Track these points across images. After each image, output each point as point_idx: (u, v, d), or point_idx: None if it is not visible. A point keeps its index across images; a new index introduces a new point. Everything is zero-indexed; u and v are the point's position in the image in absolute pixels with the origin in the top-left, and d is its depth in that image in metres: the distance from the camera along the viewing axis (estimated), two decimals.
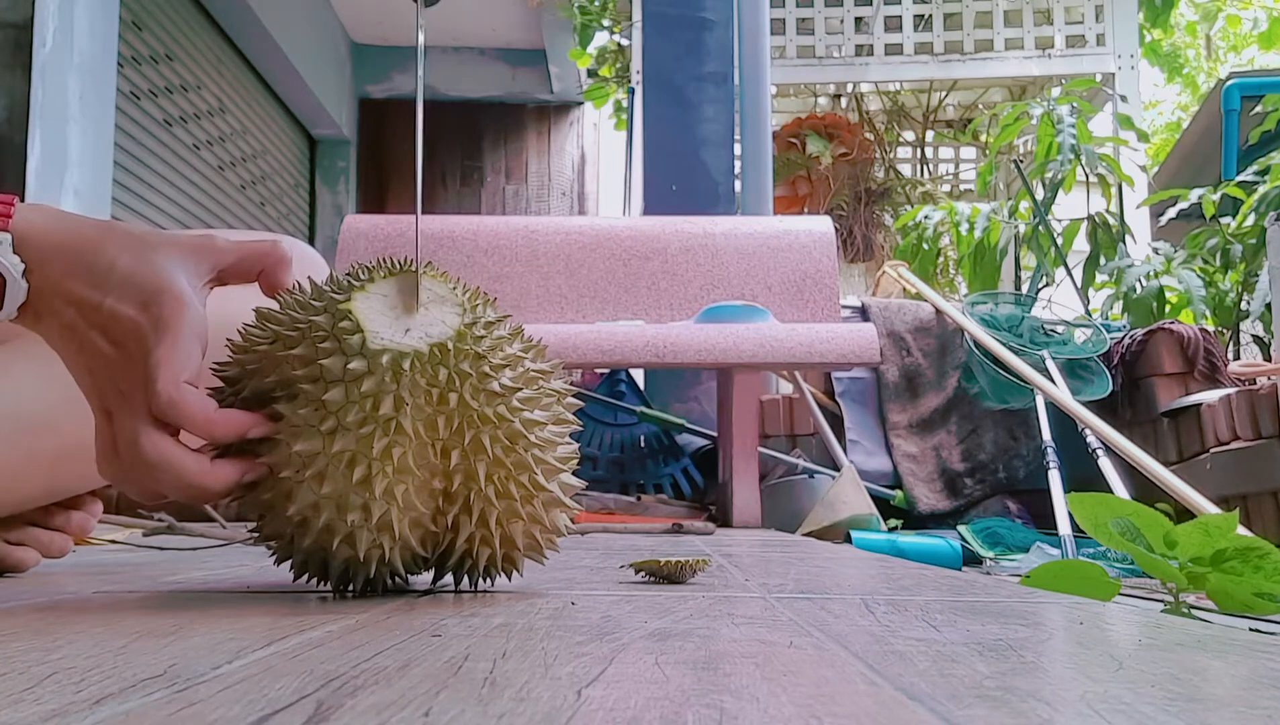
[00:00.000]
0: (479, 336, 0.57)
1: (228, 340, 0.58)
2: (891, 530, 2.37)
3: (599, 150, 6.38)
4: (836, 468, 2.50)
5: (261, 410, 0.56)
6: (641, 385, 2.89)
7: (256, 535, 0.60)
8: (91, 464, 0.75)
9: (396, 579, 0.60)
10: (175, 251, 0.56)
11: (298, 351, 0.54)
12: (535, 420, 0.58)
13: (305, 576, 0.59)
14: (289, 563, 0.59)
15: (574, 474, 0.62)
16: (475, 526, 0.57)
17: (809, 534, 2.14)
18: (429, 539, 0.58)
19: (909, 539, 2.11)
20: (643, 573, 0.72)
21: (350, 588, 0.59)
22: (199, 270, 0.57)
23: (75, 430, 0.73)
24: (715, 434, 2.50)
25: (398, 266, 0.59)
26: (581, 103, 6.08)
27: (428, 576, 0.63)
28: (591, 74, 5.76)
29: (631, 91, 4.53)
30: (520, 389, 0.57)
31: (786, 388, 2.94)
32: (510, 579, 0.62)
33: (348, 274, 0.59)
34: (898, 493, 2.63)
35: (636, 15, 3.97)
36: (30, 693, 0.30)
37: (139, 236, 0.56)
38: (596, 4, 5.26)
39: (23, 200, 0.55)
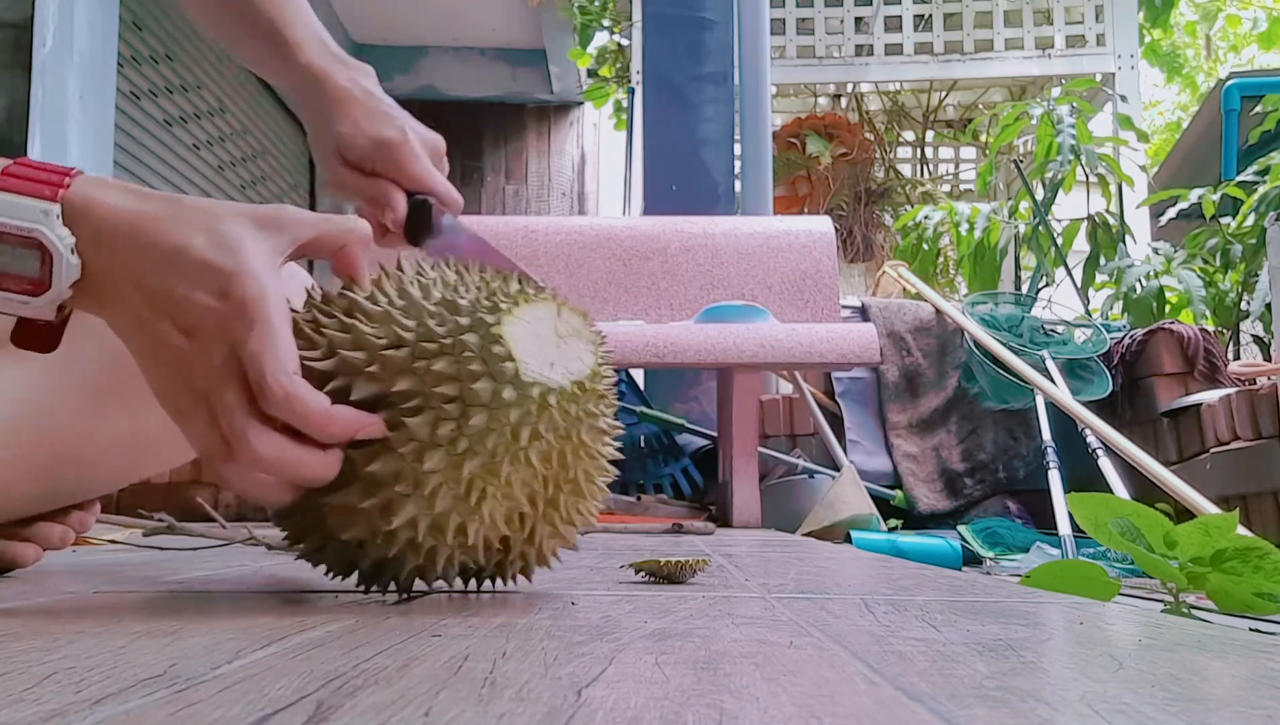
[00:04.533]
0: (605, 376, 0.58)
1: (305, 327, 0.54)
2: (891, 530, 2.37)
3: (599, 150, 6.38)
4: (836, 468, 2.50)
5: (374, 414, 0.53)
6: (641, 385, 2.89)
7: (291, 537, 0.58)
8: (91, 468, 0.75)
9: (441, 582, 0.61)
10: (249, 227, 0.51)
11: (439, 366, 0.52)
12: (611, 454, 0.60)
13: (360, 582, 0.58)
14: (325, 565, 0.58)
15: None
16: (523, 544, 0.58)
17: (809, 534, 2.14)
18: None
19: (909, 539, 2.11)
20: (643, 573, 0.72)
21: (400, 593, 0.59)
22: (276, 246, 0.52)
23: (73, 436, 0.72)
24: (715, 434, 2.50)
25: (534, 291, 0.58)
26: (581, 103, 6.08)
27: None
28: (591, 74, 5.76)
29: (631, 91, 4.53)
30: (616, 428, 0.59)
31: (786, 388, 2.94)
32: (516, 582, 0.63)
33: (483, 289, 0.57)
34: (898, 493, 2.63)
35: (636, 15, 3.97)
36: (30, 693, 0.30)
37: (210, 212, 0.51)
38: (596, 4, 5.26)
39: None
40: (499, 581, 0.62)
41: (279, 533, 0.60)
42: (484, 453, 0.52)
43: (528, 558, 0.59)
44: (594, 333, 0.58)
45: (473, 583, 0.63)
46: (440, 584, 0.64)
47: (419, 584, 0.60)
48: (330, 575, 0.59)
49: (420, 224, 0.76)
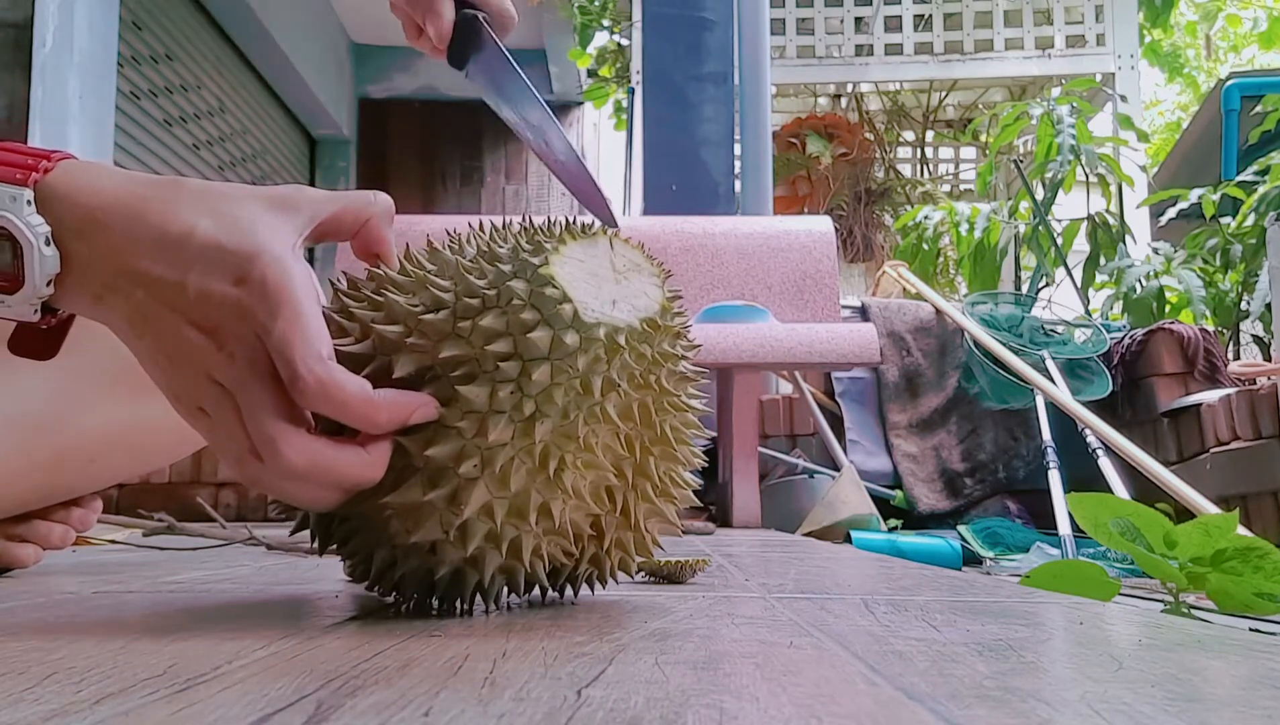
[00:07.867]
0: (678, 312, 0.51)
1: (336, 317, 0.49)
2: (891, 530, 2.37)
3: (599, 150, 6.38)
4: (836, 468, 2.50)
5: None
6: None
7: (355, 561, 0.51)
8: (93, 463, 0.75)
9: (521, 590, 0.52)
10: (263, 207, 0.46)
11: (486, 322, 0.45)
12: (699, 408, 0.52)
13: (442, 600, 0.50)
14: (399, 587, 0.50)
15: None
16: (618, 529, 0.51)
17: (809, 534, 2.14)
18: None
19: (909, 539, 2.11)
20: (643, 573, 0.72)
21: (485, 608, 0.52)
22: (294, 226, 0.47)
23: (75, 429, 0.72)
24: (715, 434, 2.50)
25: (579, 229, 0.50)
26: (581, 103, 6.08)
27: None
28: (591, 74, 5.76)
29: (631, 91, 4.53)
30: (701, 375, 0.52)
31: (786, 388, 2.94)
32: (605, 588, 0.56)
33: (523, 234, 0.50)
34: (898, 493, 2.63)
35: (636, 15, 3.97)
36: (30, 693, 0.30)
37: (215, 192, 0.46)
38: (596, 4, 5.27)
39: None
40: (596, 583, 0.55)
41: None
42: (554, 413, 0.45)
43: (625, 544, 0.51)
44: (655, 265, 0.51)
45: (568, 590, 0.55)
46: (533, 595, 0.57)
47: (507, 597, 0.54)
48: (403, 604, 0.52)
49: (465, 40, 0.67)
